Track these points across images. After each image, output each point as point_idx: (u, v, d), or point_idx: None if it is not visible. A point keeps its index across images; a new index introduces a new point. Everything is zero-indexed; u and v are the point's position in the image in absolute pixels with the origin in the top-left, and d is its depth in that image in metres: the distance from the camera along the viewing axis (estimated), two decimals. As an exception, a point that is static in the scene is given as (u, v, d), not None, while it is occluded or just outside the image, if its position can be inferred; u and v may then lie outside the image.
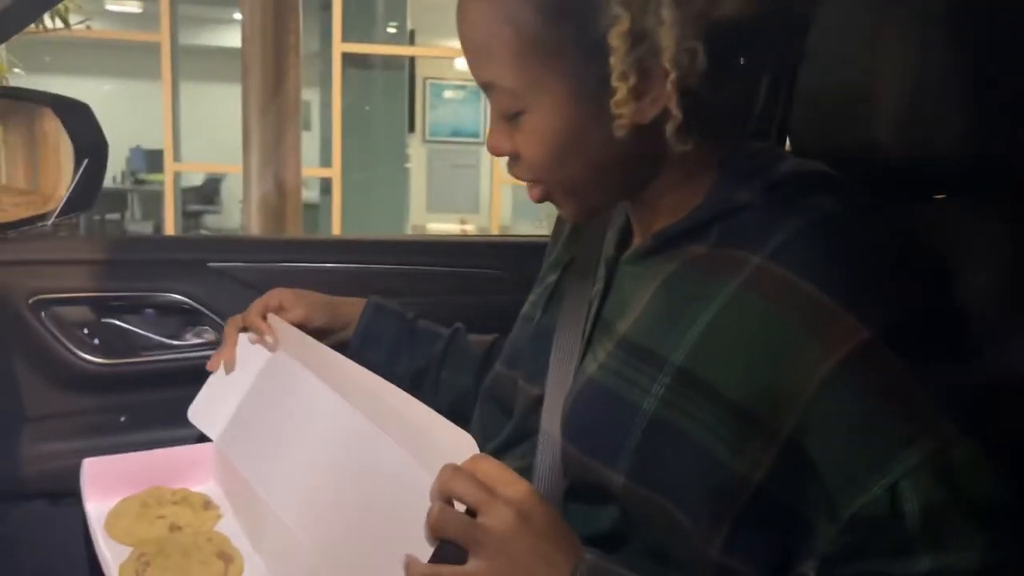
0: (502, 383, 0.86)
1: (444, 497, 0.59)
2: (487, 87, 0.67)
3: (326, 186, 6.09)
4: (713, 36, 0.60)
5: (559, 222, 0.90)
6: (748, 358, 0.60)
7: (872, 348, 0.57)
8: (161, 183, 6.51)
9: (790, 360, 0.58)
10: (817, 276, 0.59)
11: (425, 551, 0.60)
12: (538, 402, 0.77)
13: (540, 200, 0.72)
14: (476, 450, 0.61)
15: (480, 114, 7.57)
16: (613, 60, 0.60)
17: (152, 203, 7.87)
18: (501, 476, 0.59)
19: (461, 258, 1.34)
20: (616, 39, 0.59)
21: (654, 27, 0.59)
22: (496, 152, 0.70)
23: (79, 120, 1.35)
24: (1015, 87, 0.73)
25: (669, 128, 0.62)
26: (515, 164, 0.70)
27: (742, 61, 0.65)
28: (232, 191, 7.75)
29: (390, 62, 6.46)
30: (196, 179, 8.01)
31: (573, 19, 0.61)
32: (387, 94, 5.94)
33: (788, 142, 1.13)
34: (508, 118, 0.67)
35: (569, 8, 0.61)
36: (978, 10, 0.73)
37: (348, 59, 5.72)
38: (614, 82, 0.61)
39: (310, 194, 6.02)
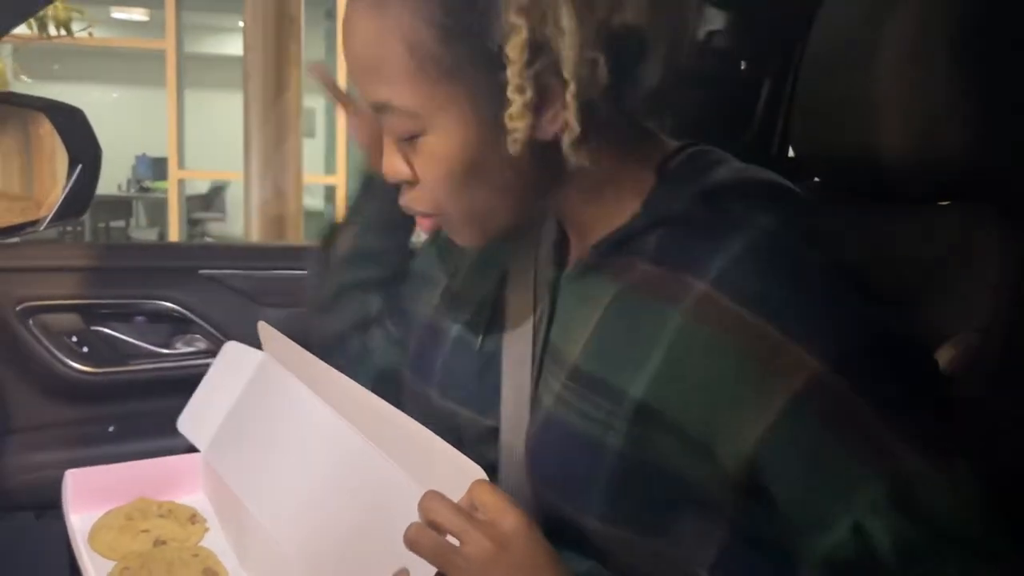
0: (440, 416, 0.79)
1: (425, 520, 0.58)
2: (380, 108, 0.62)
3: (330, 193, 6.09)
4: (614, 46, 0.57)
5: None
6: (704, 395, 0.58)
7: (824, 381, 0.54)
8: (166, 190, 6.53)
9: (743, 398, 0.56)
10: (763, 307, 0.56)
11: (420, 572, 0.59)
12: (491, 434, 0.74)
13: (432, 230, 0.68)
14: (480, 476, 0.59)
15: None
16: (510, 72, 0.56)
17: (157, 210, 7.89)
18: (493, 504, 0.57)
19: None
20: (513, 50, 0.56)
21: (554, 37, 0.56)
22: (393, 177, 0.66)
23: (73, 125, 1.34)
24: (1017, 93, 0.72)
25: (566, 140, 0.58)
26: (410, 191, 0.65)
27: (644, 70, 0.61)
28: (237, 199, 7.75)
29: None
30: (201, 187, 8.03)
31: (469, 32, 0.57)
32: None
33: (791, 149, 1.12)
34: (405, 141, 0.63)
35: (465, 20, 0.57)
36: (979, 16, 0.72)
37: (353, 67, 5.73)
38: (510, 94, 0.57)
39: (314, 202, 6.03)
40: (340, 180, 5.93)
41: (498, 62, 0.57)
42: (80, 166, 1.31)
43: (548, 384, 0.69)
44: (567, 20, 0.55)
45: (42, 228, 1.28)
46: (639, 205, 0.65)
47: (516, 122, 0.57)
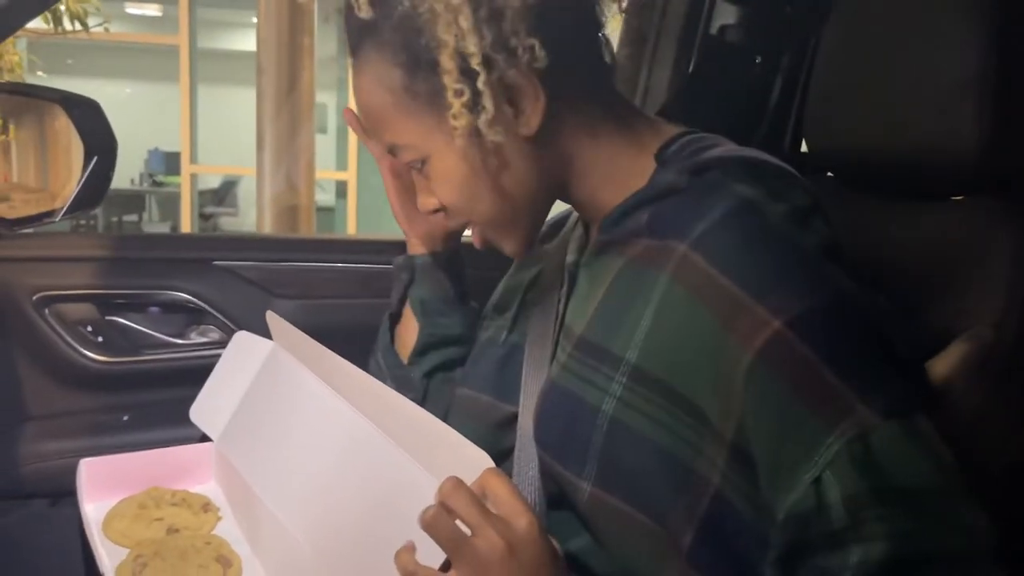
0: (470, 404, 0.85)
1: (443, 505, 0.58)
2: (392, 150, 0.71)
3: (342, 189, 6.11)
4: (544, 31, 0.63)
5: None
6: (687, 355, 0.60)
7: (784, 338, 0.56)
8: (178, 185, 6.56)
9: (718, 357, 0.58)
10: (731, 267, 0.59)
11: (430, 559, 0.59)
12: (512, 419, 0.78)
13: (482, 244, 0.74)
14: (490, 465, 0.60)
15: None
16: (446, 80, 0.63)
17: (169, 205, 7.93)
18: (508, 502, 0.59)
19: (469, 259, 1.33)
20: (446, 61, 0.63)
21: (460, 39, 0.62)
22: (426, 210, 0.74)
23: (89, 118, 1.35)
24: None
25: (482, 120, 0.64)
26: (447, 216, 0.74)
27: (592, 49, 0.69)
28: (248, 193, 7.78)
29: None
30: (213, 181, 8.06)
31: (422, 60, 0.64)
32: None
33: (803, 144, 1.11)
34: (418, 171, 0.71)
35: (415, 51, 0.64)
36: (995, 9, 0.72)
37: (364, 63, 5.74)
38: (450, 98, 0.63)
39: (326, 197, 6.05)
40: (351, 176, 5.94)
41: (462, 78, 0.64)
42: (96, 158, 1.32)
43: (557, 359, 0.72)
44: (463, 20, 0.62)
45: (58, 219, 1.29)
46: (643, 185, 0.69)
47: (459, 121, 0.64)
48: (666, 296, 0.62)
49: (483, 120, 0.63)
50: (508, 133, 0.65)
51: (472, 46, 0.61)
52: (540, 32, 0.63)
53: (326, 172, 5.84)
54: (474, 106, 0.63)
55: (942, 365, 0.66)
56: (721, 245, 0.60)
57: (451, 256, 0.96)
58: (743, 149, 0.68)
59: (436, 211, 0.73)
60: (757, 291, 0.57)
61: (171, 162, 7.37)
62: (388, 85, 0.66)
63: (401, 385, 0.93)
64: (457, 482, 0.58)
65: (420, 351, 0.96)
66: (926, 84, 0.75)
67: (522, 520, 0.58)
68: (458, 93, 0.63)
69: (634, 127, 0.71)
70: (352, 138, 5.85)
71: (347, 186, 6.01)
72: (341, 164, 6.10)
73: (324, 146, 5.20)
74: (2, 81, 1.38)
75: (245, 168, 6.92)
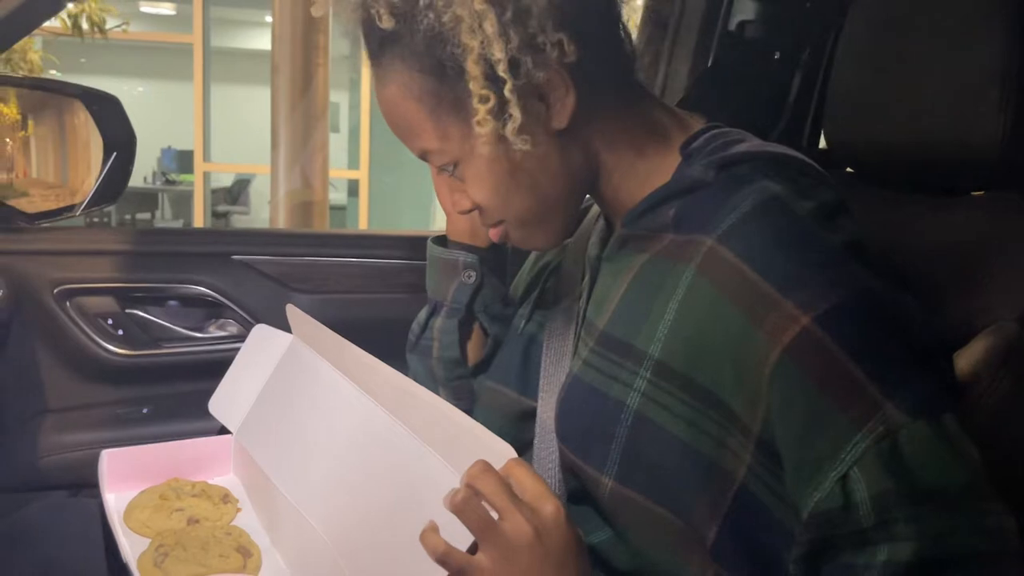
0: (493, 396, 0.85)
1: (471, 488, 0.59)
2: (424, 157, 0.70)
3: (354, 188, 6.13)
4: (574, 26, 0.63)
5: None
6: (712, 349, 0.60)
7: (812, 335, 0.56)
8: (191, 183, 6.60)
9: (744, 351, 0.58)
10: (758, 261, 0.59)
11: (455, 543, 0.60)
12: (531, 413, 0.78)
13: (520, 243, 0.74)
14: (513, 455, 0.61)
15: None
16: (472, 86, 0.63)
17: (182, 203, 7.98)
18: (534, 489, 0.59)
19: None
20: (472, 67, 0.62)
21: (486, 45, 0.61)
22: (460, 209, 0.73)
23: (109, 113, 1.36)
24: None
25: (509, 128, 0.63)
26: (481, 216, 0.73)
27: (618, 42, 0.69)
28: (260, 192, 7.83)
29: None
30: (225, 180, 8.10)
31: (450, 69, 0.64)
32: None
33: (822, 141, 1.11)
34: (451, 174, 0.71)
35: (440, 58, 0.64)
36: (1015, 5, 0.71)
37: (377, 62, 5.76)
38: (475, 104, 0.63)
39: (338, 196, 6.07)
40: (363, 175, 5.96)
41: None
42: (115, 153, 1.34)
43: (578, 353, 0.72)
44: (488, 26, 0.61)
45: (78, 213, 1.31)
46: (668, 180, 0.68)
47: (484, 127, 0.63)
48: (691, 289, 0.62)
49: (509, 128, 0.63)
50: (539, 130, 0.65)
51: (498, 52, 0.61)
52: (567, 27, 0.63)
53: (338, 171, 5.86)
54: (500, 112, 0.63)
55: (966, 359, 0.66)
56: (749, 239, 0.60)
57: (498, 253, 0.92)
58: (770, 144, 0.68)
59: (470, 211, 0.73)
60: (785, 286, 0.57)
61: (184, 160, 7.42)
62: (415, 94, 0.66)
63: (459, 395, 0.91)
64: (485, 466, 0.59)
65: (487, 358, 0.91)
66: (948, 79, 0.75)
67: (548, 506, 0.58)
68: (484, 99, 0.63)
69: (659, 120, 0.71)
70: (364, 137, 5.87)
71: (359, 185, 6.03)
72: (353, 163, 6.12)
73: (336, 145, 5.22)
74: (24, 76, 1.39)
75: (258, 166, 6.97)
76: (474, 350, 0.92)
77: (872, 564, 0.54)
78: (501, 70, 0.62)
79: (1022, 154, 0.72)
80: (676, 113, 0.73)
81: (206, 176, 6.33)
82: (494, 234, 0.73)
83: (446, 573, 0.59)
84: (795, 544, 0.57)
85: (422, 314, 0.94)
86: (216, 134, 6.32)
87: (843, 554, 0.55)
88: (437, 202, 0.94)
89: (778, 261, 0.59)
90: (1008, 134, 0.71)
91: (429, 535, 0.59)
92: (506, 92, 0.62)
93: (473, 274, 0.89)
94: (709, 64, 1.14)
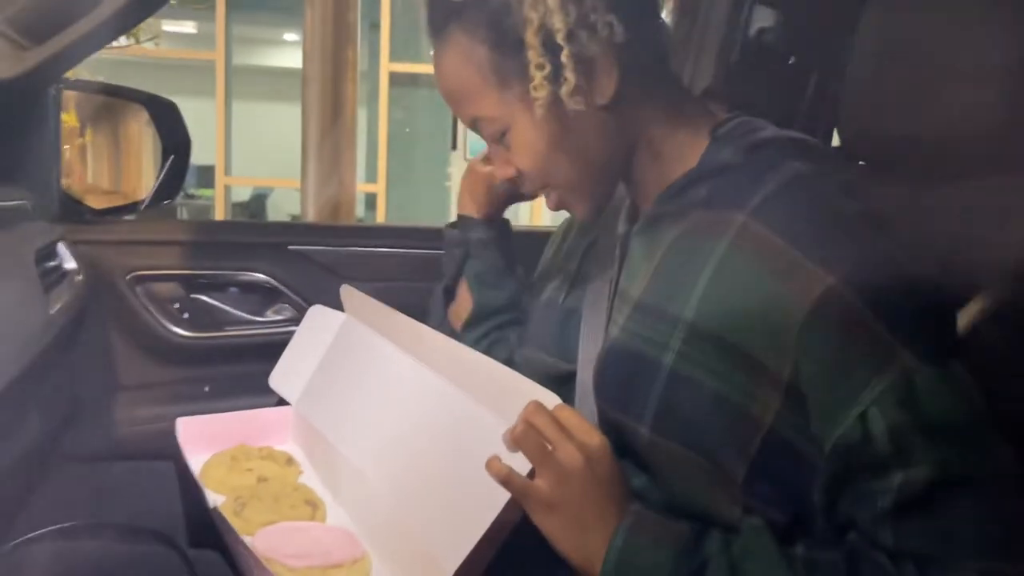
0: (533, 364, 0.92)
1: (528, 423, 0.66)
2: (473, 123, 0.77)
3: (371, 201, 6.21)
4: (624, 10, 0.70)
5: (566, 221, 0.99)
6: (745, 310, 0.66)
7: (837, 292, 0.62)
8: (210, 198, 6.70)
9: (775, 309, 0.64)
10: (788, 231, 0.65)
11: (517, 465, 0.66)
12: (570, 377, 0.84)
13: (557, 207, 0.80)
14: (558, 401, 0.68)
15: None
16: (530, 54, 0.70)
17: (201, 217, 8.06)
18: (580, 425, 0.66)
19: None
20: (530, 37, 0.69)
21: (547, 16, 0.69)
22: (502, 176, 0.80)
23: (168, 118, 1.47)
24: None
25: (564, 91, 0.70)
26: (523, 182, 0.79)
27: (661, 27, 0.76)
28: (278, 205, 7.92)
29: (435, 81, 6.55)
30: (244, 194, 8.20)
31: (508, 37, 0.71)
32: (431, 113, 6.06)
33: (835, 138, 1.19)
34: (498, 142, 0.77)
35: (502, 29, 0.71)
36: (1017, 1, 0.78)
37: (395, 78, 5.87)
38: (532, 71, 0.70)
39: (357, 209, 6.14)
40: (380, 188, 6.05)
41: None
42: (172, 156, 1.43)
43: (615, 321, 0.78)
44: (551, 1, 0.69)
45: (141, 209, 1.40)
46: (695, 163, 0.75)
47: (539, 92, 0.71)
48: (725, 259, 0.68)
49: (564, 90, 0.70)
50: (584, 104, 0.72)
51: (559, 22, 0.69)
52: (616, 10, 0.70)
53: (356, 184, 5.95)
54: (555, 79, 0.70)
55: (965, 317, 0.74)
56: (779, 213, 0.67)
57: (501, 228, 1.05)
58: (792, 132, 0.76)
59: (512, 179, 0.80)
60: (812, 252, 0.64)
61: (203, 175, 7.50)
62: (474, 62, 0.73)
63: None
64: (539, 405, 0.66)
65: (473, 321, 1.04)
66: (955, 73, 0.81)
67: (595, 438, 0.66)
68: (540, 67, 0.70)
69: (688, 108, 0.78)
70: (382, 151, 5.97)
71: (376, 198, 6.12)
72: (371, 176, 6.22)
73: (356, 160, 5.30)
74: (94, 81, 1.48)
75: (277, 180, 7.06)
76: (460, 312, 1.06)
77: (888, 488, 0.61)
78: (560, 38, 0.69)
79: (1020, 140, 0.78)
80: (702, 102, 0.80)
81: (227, 189, 6.44)
82: (550, 203, 0.80)
83: (508, 495, 0.66)
84: (819, 475, 0.64)
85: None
86: (236, 149, 6.43)
87: (861, 480, 0.62)
88: (451, 215, 1.06)
89: (805, 230, 0.65)
90: (1008, 121, 0.77)
91: (493, 462, 0.66)
92: (562, 58, 0.69)
93: (459, 250, 1.04)
94: (732, 63, 1.22)
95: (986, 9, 0.79)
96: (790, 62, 1.22)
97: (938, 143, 0.84)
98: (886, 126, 0.89)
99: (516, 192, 1.00)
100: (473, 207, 1.06)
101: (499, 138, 0.77)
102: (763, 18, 1.22)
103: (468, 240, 1.05)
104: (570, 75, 0.70)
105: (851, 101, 0.93)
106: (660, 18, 0.78)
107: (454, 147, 7.16)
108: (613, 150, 0.77)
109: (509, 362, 1.02)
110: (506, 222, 1.07)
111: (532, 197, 0.83)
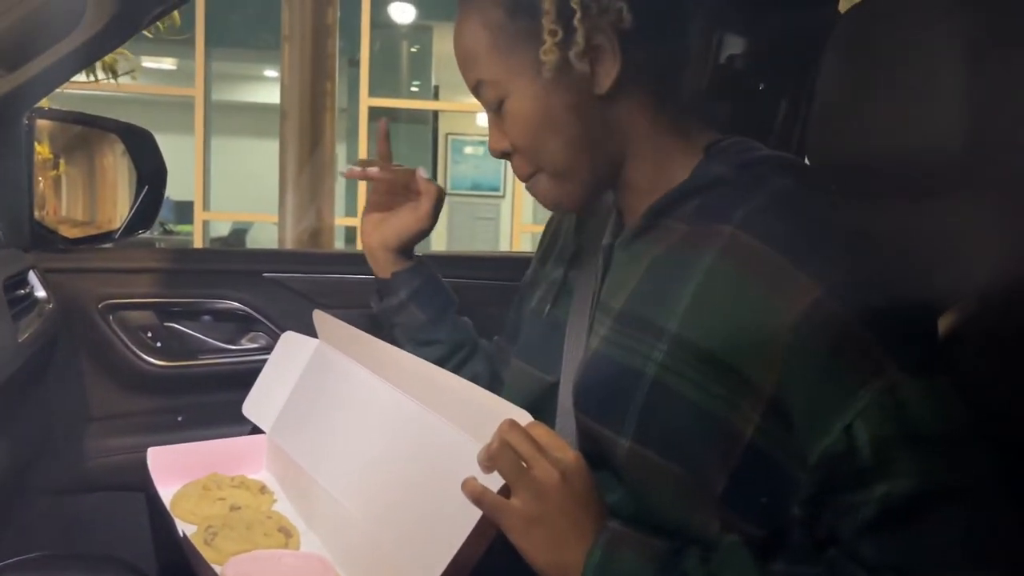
0: (519, 375, 0.92)
1: (503, 441, 0.66)
2: (476, 87, 0.78)
3: (351, 235, 6.22)
4: None
5: (551, 222, 0.99)
6: (731, 320, 0.67)
7: (824, 303, 0.62)
8: (189, 233, 6.67)
9: (762, 319, 0.65)
10: (777, 242, 0.66)
11: (491, 484, 0.65)
12: (553, 388, 0.84)
13: (544, 198, 0.80)
14: (530, 419, 0.68)
15: (500, 169, 7.73)
16: (544, 20, 0.71)
17: (179, 253, 8.00)
18: (553, 442, 0.66)
19: (497, 271, 1.42)
20: (548, 3, 0.70)
21: None
22: (496, 151, 0.80)
23: (143, 147, 1.46)
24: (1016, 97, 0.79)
25: (572, 53, 0.71)
26: (514, 158, 0.79)
27: (669, 19, 0.76)
28: (257, 240, 7.90)
29: (415, 117, 6.63)
30: (223, 229, 8.17)
31: (526, 4, 0.72)
32: (412, 148, 6.11)
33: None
34: (495, 110, 0.77)
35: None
36: (966, 30, 0.79)
37: (375, 113, 5.91)
38: (544, 36, 0.71)
39: (336, 243, 6.14)
40: (360, 222, 6.05)
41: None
42: (147, 187, 1.43)
43: (596, 332, 0.78)
44: None
45: (115, 238, 1.39)
46: (687, 175, 0.76)
47: (548, 56, 0.71)
48: (713, 270, 0.68)
49: (574, 52, 0.71)
50: (583, 87, 0.73)
51: None
52: None
53: (337, 219, 5.95)
54: (565, 45, 0.71)
55: (942, 327, 0.75)
56: (767, 225, 0.68)
57: (417, 275, 1.04)
58: (778, 152, 0.77)
59: (503, 155, 0.80)
60: (801, 263, 0.64)
61: (181, 211, 7.48)
62: (488, 24, 0.74)
63: None
64: (513, 423, 0.66)
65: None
66: (914, 97, 0.83)
67: (570, 454, 0.66)
68: (552, 33, 0.71)
69: (684, 121, 0.79)
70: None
71: (356, 232, 6.12)
72: (351, 210, 6.23)
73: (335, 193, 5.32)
74: (65, 110, 1.47)
75: (256, 215, 7.05)
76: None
77: (870, 499, 0.61)
78: (575, 3, 0.69)
79: (981, 160, 0.80)
80: (697, 120, 0.81)
81: (205, 224, 6.42)
82: (539, 195, 0.80)
83: (480, 514, 0.66)
84: (800, 487, 0.64)
85: None
86: (216, 184, 6.42)
87: (844, 492, 0.62)
88: (431, 246, 1.06)
89: (794, 242, 0.66)
90: (969, 142, 0.79)
91: (469, 482, 0.66)
92: (575, 22, 0.70)
93: (385, 321, 1.06)
94: (703, 89, 1.25)
95: (948, 34, 0.81)
96: (760, 88, 1.24)
97: (901, 162, 0.85)
98: (851, 148, 0.91)
99: (416, 227, 1.02)
100: (380, 264, 1.06)
101: (497, 107, 0.77)
102: (733, 46, 1.24)
103: (387, 309, 1.05)
104: (580, 39, 0.71)
105: (818, 126, 0.95)
106: (684, 32, 0.78)
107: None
108: (606, 143, 0.77)
109: (491, 376, 1.03)
110: (420, 260, 1.06)
111: (523, 179, 0.82)
